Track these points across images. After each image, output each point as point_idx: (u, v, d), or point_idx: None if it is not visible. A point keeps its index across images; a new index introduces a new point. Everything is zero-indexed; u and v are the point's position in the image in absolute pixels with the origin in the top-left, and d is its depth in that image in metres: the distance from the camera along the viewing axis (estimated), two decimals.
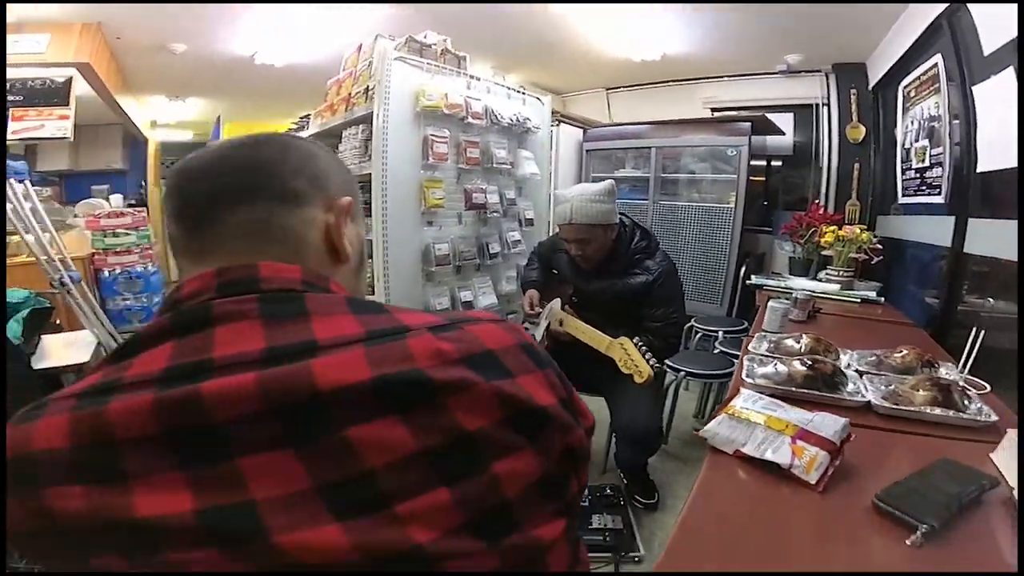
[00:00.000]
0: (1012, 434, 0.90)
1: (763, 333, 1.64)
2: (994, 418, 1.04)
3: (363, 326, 0.40)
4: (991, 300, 1.67)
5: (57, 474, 0.35)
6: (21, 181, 1.90)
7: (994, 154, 1.53)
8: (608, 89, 4.34)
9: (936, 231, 1.97)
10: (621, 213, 1.76)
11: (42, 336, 1.73)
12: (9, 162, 1.82)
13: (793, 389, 1.15)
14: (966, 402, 1.10)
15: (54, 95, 2.81)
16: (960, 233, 1.74)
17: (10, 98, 2.66)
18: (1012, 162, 1.35)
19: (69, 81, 2.86)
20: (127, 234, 2.78)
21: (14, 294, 1.69)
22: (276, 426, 0.35)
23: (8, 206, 1.75)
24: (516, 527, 0.39)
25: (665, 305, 1.69)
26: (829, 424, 0.91)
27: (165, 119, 5.53)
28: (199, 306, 0.41)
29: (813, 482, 0.84)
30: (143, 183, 5.59)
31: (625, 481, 1.86)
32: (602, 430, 1.91)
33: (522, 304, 1.93)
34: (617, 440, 1.79)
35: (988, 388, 1.20)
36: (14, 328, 1.57)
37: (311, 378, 0.36)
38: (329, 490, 0.35)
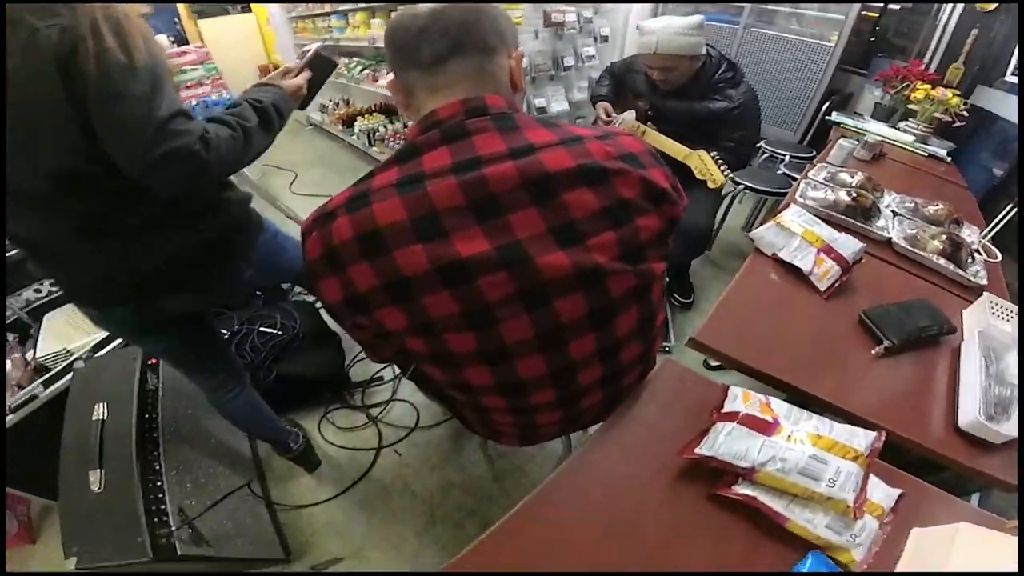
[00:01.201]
0: (986, 297, 1.09)
1: (826, 164, 1.79)
2: (984, 282, 1.23)
3: (555, 135, 0.62)
4: None
5: (402, 239, 0.57)
6: None
7: None
8: None
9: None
10: (708, 45, 1.73)
11: None
12: None
13: (834, 214, 1.36)
14: (969, 261, 1.28)
15: None
16: None
17: None
18: None
19: None
20: (194, 69, 2.82)
21: None
22: (526, 194, 0.59)
23: None
24: (644, 260, 0.66)
25: (742, 129, 1.79)
26: (849, 245, 1.13)
27: None
28: (456, 124, 0.61)
29: (822, 289, 1.11)
30: (176, 20, 5.07)
31: (667, 279, 2.08)
32: None
33: (597, 113, 2.02)
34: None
35: (999, 257, 1.35)
36: None
37: (542, 166, 0.59)
38: (555, 230, 0.60)
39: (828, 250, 1.13)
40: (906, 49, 2.97)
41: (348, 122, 3.76)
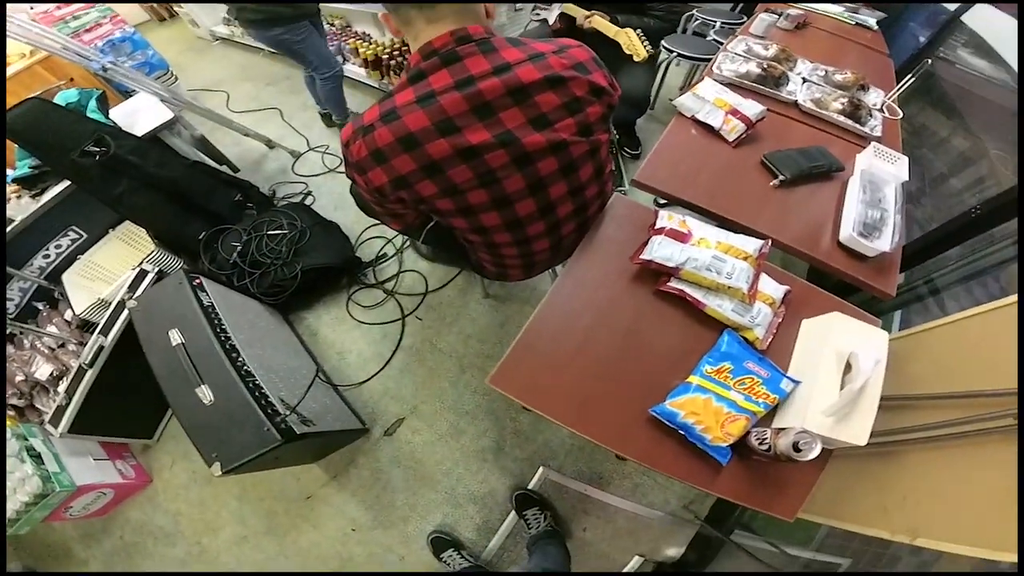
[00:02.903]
0: (873, 144, 1.31)
1: (748, 35, 1.94)
2: (879, 134, 1.45)
3: (524, 53, 0.82)
4: (964, 58, 1.91)
5: (429, 136, 0.80)
6: None
7: None
8: None
9: None
10: None
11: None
12: None
13: (746, 83, 1.54)
14: (869, 118, 1.50)
15: None
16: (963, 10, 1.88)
17: None
18: None
19: None
20: (86, 13, 2.62)
21: (65, 96, 1.73)
22: (509, 99, 0.80)
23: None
24: (592, 133, 0.89)
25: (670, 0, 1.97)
26: (753, 108, 1.33)
27: None
28: (450, 51, 0.80)
29: (730, 140, 1.31)
30: None
31: (617, 135, 2.46)
32: None
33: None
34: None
35: (900, 115, 1.55)
36: (98, 115, 1.69)
37: (519, 78, 0.79)
38: (532, 121, 0.81)
39: (734, 112, 1.33)
40: None
41: None
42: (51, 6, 2.68)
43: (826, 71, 1.70)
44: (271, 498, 1.53)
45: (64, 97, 1.74)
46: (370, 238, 2.07)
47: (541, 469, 1.48)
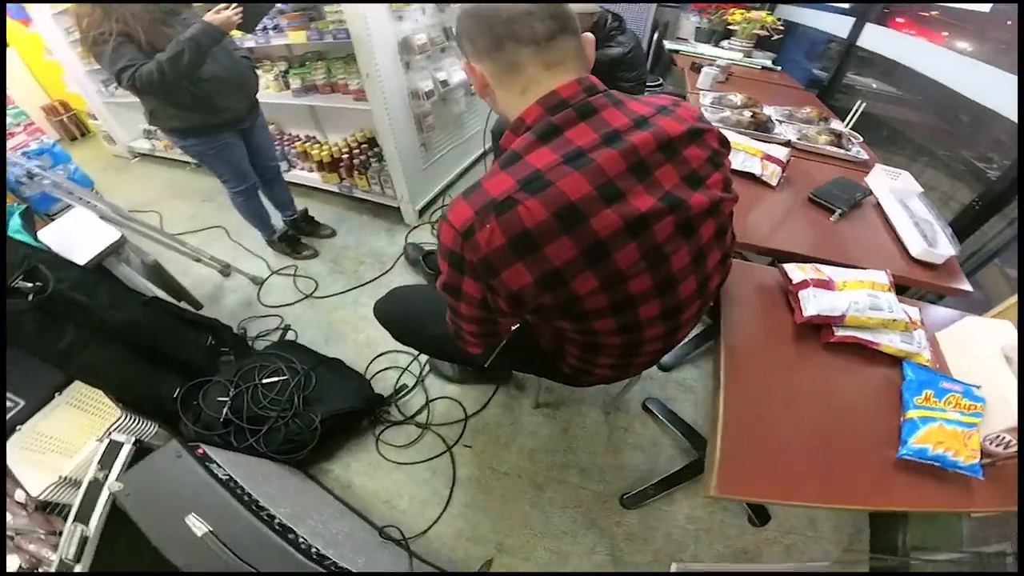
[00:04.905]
0: (878, 167, 1.51)
1: (698, 90, 2.23)
2: (866, 157, 1.70)
3: (647, 107, 0.75)
4: (868, 79, 2.33)
5: (594, 206, 0.64)
6: None
7: None
8: None
9: (835, 25, 2.48)
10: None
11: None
12: None
13: (742, 130, 1.71)
14: (849, 145, 1.74)
15: None
16: (857, 31, 2.29)
17: None
18: None
19: None
20: None
21: None
22: (661, 155, 0.71)
23: None
24: (731, 187, 0.83)
25: (637, 69, 2.11)
26: (779, 151, 1.48)
27: None
28: (583, 102, 0.69)
29: (773, 184, 1.43)
30: None
31: None
32: None
33: None
34: None
35: (861, 138, 1.82)
36: (25, 237, 1.38)
37: (666, 131, 0.71)
38: (685, 179, 0.74)
39: (768, 157, 1.47)
40: None
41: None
42: None
43: (789, 110, 1.96)
44: None
45: None
46: (380, 370, 1.83)
47: (674, 566, 1.33)
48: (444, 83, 2.28)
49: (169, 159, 3.48)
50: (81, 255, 1.40)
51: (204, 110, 1.69)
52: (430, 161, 2.53)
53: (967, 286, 1.20)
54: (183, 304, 1.87)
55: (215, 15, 1.50)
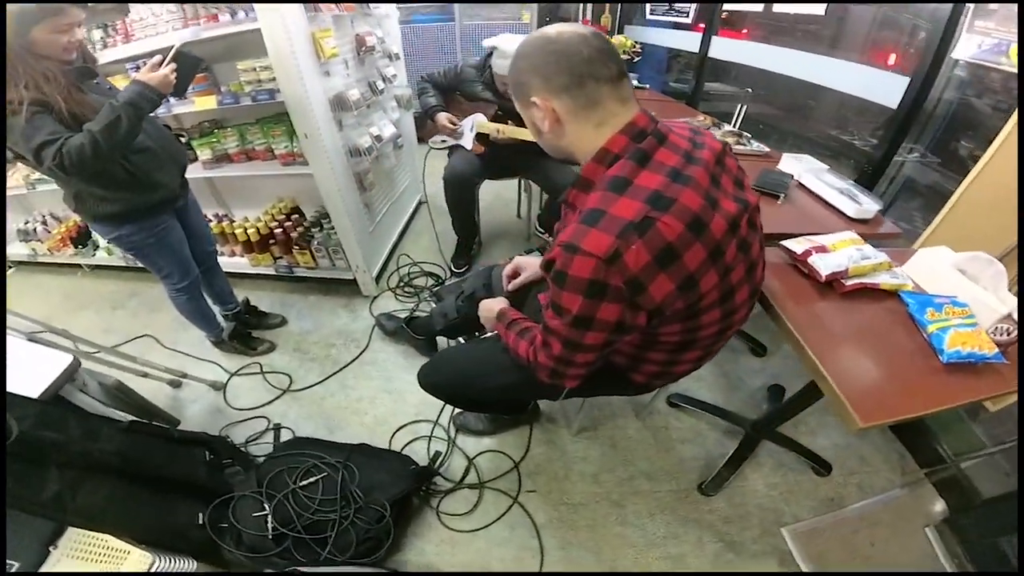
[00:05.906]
0: (786, 155, 1.85)
1: None
2: (767, 149, 2.06)
3: (686, 130, 0.88)
4: (719, 83, 2.85)
5: (709, 216, 0.75)
6: None
7: None
8: None
9: (684, 40, 2.98)
10: None
11: None
12: None
13: None
14: (748, 143, 2.10)
15: None
16: (706, 43, 2.77)
17: None
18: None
19: None
20: None
21: None
22: (718, 167, 0.84)
23: None
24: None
25: None
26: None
27: None
28: (656, 130, 0.80)
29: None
30: None
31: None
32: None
33: (439, 122, 2.22)
34: (546, 203, 2.61)
35: (751, 135, 2.17)
36: None
37: (714, 148, 0.85)
38: (735, 183, 0.88)
39: None
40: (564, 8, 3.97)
41: (80, 239, 2.73)
42: None
43: (686, 121, 2.29)
44: None
45: None
46: (406, 444, 1.71)
47: (785, 532, 1.40)
48: (378, 138, 2.25)
49: (55, 264, 2.89)
50: (32, 387, 1.18)
51: (140, 188, 1.46)
52: (375, 222, 2.47)
53: (896, 229, 1.53)
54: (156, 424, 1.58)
55: (151, 74, 1.30)
